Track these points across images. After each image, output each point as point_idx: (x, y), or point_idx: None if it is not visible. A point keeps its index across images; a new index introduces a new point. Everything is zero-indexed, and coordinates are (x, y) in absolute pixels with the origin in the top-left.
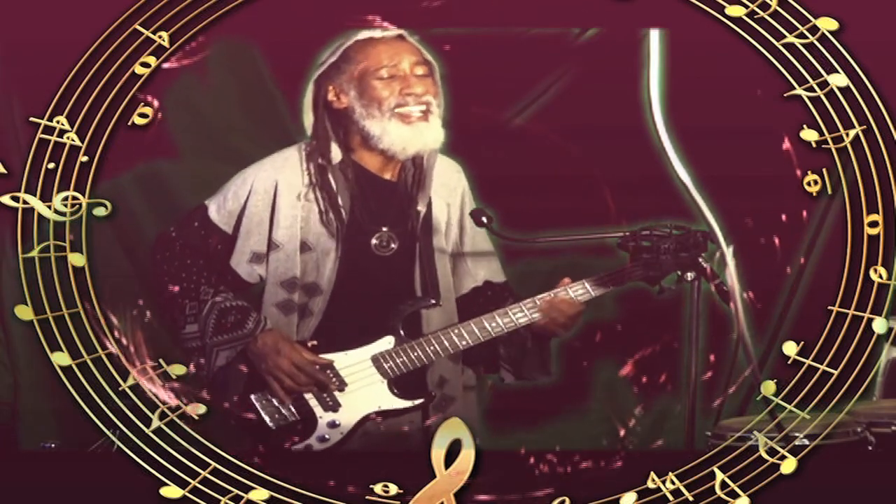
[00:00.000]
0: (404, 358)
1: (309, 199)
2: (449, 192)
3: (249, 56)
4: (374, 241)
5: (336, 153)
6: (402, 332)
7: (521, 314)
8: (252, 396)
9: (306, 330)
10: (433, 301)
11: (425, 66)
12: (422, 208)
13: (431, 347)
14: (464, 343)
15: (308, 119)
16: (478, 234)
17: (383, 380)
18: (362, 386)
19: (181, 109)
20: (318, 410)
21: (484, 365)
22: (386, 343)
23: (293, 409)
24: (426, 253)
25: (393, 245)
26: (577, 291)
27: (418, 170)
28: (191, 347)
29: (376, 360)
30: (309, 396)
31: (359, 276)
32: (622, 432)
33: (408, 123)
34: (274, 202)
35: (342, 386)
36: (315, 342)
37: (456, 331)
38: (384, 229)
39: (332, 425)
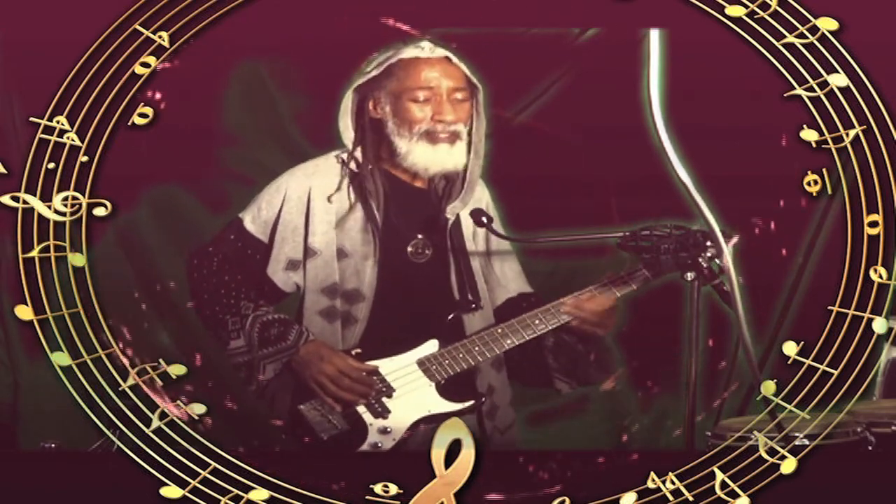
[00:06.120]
0: (450, 360)
1: (343, 203)
2: (473, 203)
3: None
4: (409, 248)
5: (368, 160)
6: (445, 336)
7: (564, 311)
8: (300, 407)
9: (352, 337)
10: (474, 305)
11: (465, 91)
12: (450, 216)
13: (476, 348)
14: (508, 342)
15: (344, 124)
16: (503, 246)
17: (431, 383)
18: (410, 390)
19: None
20: (367, 417)
21: (534, 379)
22: (430, 346)
23: (343, 418)
24: (461, 260)
25: (427, 252)
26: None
27: (447, 181)
28: (238, 363)
29: (422, 364)
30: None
31: (398, 281)
32: (624, 438)
33: (433, 145)
34: (308, 208)
35: (389, 392)
36: (359, 350)
37: (499, 330)
38: (419, 237)
39: (384, 431)
